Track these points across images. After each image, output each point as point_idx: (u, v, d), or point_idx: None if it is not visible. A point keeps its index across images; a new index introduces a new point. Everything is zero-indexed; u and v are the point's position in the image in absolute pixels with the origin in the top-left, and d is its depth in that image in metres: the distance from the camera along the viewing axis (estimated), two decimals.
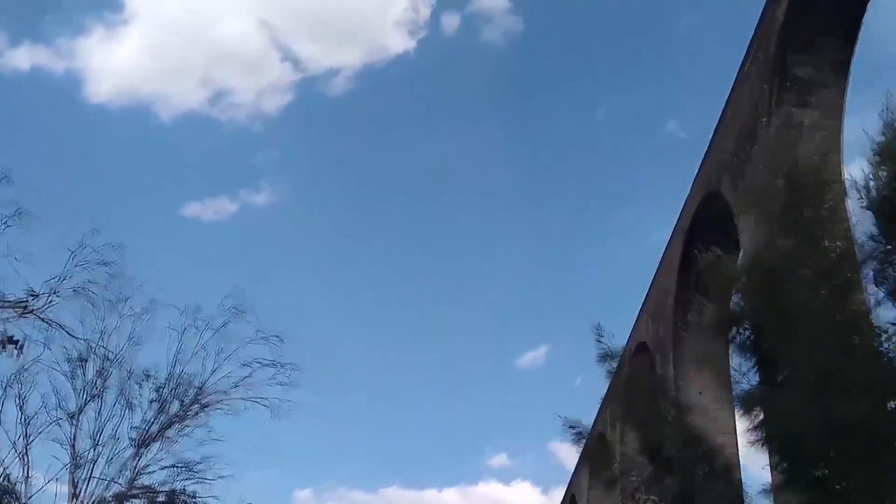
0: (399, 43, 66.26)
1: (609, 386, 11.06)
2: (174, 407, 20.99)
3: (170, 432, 20.97)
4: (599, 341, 10.25)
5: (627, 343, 17.84)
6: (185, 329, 21.25)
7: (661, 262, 16.70)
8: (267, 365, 21.33)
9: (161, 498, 21.06)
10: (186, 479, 21.12)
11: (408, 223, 68.14)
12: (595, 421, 20.57)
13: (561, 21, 65.49)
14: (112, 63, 56.89)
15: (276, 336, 21.83)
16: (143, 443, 20.53)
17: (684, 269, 14.67)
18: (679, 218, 15.30)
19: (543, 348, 71.67)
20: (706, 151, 13.60)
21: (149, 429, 20.67)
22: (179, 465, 21.02)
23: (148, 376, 21.01)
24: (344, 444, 62.29)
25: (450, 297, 69.85)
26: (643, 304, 17.88)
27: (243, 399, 21.19)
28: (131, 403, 20.63)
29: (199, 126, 61.64)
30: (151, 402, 20.85)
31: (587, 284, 66.62)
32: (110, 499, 19.43)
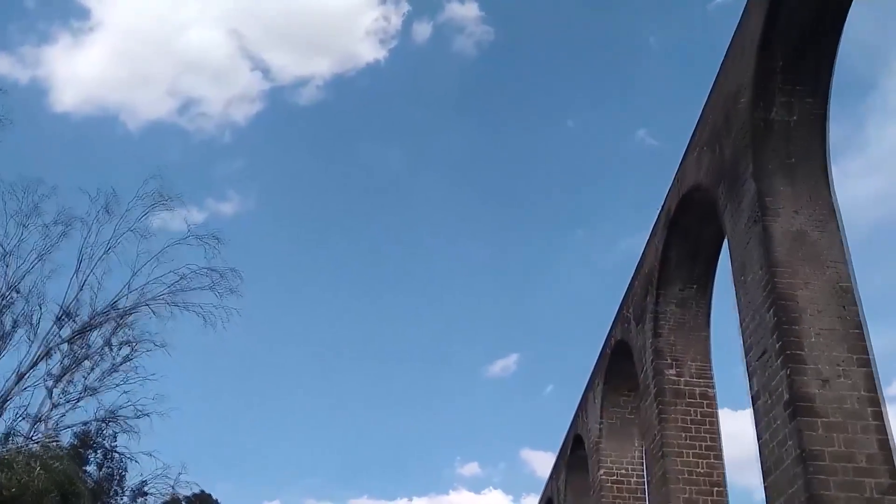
0: (370, 52, 66.93)
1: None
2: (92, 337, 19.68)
3: (92, 377, 19.75)
4: None
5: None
6: (96, 219, 19.65)
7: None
8: (200, 273, 20.12)
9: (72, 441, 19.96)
10: (110, 422, 20.10)
11: (376, 233, 68.73)
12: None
13: (533, 30, 66.70)
14: (78, 71, 56.42)
15: (213, 236, 20.69)
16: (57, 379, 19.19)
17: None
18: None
19: (514, 356, 71.92)
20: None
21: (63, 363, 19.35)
22: (102, 413, 19.98)
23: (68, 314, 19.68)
24: (313, 454, 62.20)
25: (419, 305, 70.36)
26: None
27: (169, 304, 19.91)
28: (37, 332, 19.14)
29: (167, 135, 61.15)
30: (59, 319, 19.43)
31: (557, 292, 67.24)
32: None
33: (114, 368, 22.44)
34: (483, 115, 68.74)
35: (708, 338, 14.07)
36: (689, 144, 12.73)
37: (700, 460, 13.06)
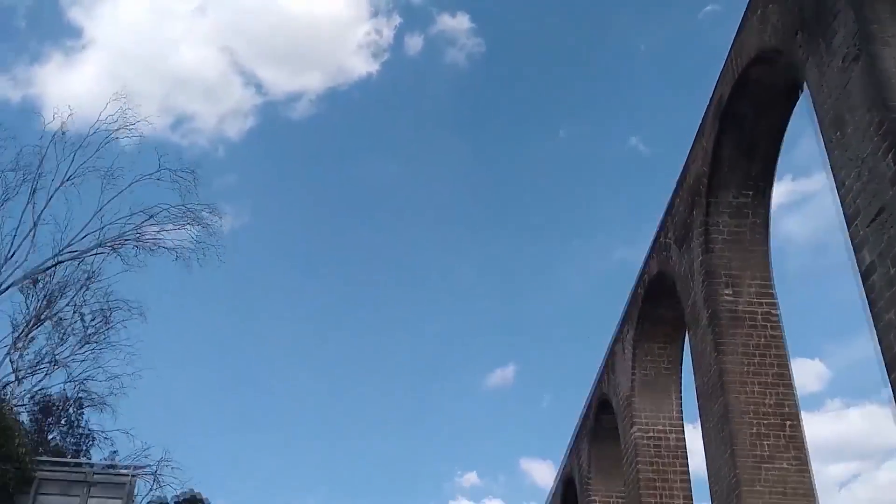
0: (362, 66, 66.35)
1: None
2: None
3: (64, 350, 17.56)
4: None
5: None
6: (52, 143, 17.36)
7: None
8: (174, 212, 17.98)
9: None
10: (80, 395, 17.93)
11: (371, 246, 67.85)
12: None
13: (523, 42, 66.44)
14: (70, 90, 55.05)
15: (188, 170, 18.63)
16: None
17: None
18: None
19: (511, 367, 70.68)
20: None
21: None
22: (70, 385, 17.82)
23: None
24: (311, 471, 60.91)
25: (415, 318, 69.43)
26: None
27: (137, 245, 17.73)
28: None
29: (160, 152, 60.01)
30: None
31: (554, 302, 66.42)
32: None
33: (86, 340, 20.30)
34: (476, 126, 68.09)
35: (768, 253, 11.92)
36: (745, 13, 10.65)
37: (768, 391, 10.88)
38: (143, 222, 17.70)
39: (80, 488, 10.08)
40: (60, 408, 19.50)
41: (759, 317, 11.43)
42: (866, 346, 7.74)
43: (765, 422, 10.60)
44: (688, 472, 15.04)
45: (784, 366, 11.11)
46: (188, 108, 68.96)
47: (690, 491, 14.88)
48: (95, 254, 17.64)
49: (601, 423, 18.99)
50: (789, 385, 10.96)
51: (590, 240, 66.71)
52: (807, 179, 51.10)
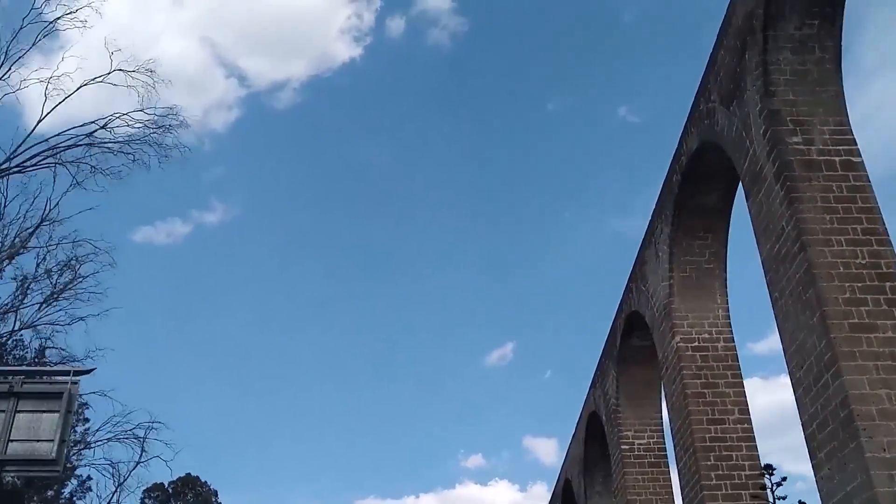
0: (345, 51, 64.59)
1: None
2: None
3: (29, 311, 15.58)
4: None
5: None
6: None
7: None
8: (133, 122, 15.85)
9: None
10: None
11: (364, 231, 66.35)
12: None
13: (506, 18, 64.93)
14: (50, 90, 52.33)
15: (146, 69, 16.48)
16: None
17: None
18: None
19: (510, 345, 69.35)
20: None
21: None
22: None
23: None
24: (315, 458, 59.88)
25: (410, 300, 68.27)
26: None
27: (89, 150, 15.55)
28: None
29: (145, 147, 58.14)
30: None
31: (548, 276, 65.26)
32: None
33: (54, 297, 18.20)
34: (463, 105, 66.49)
35: (840, 92, 9.85)
36: None
37: (858, 248, 8.83)
38: (93, 131, 15.51)
39: (5, 402, 8.00)
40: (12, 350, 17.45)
41: (838, 164, 9.37)
42: None
43: (858, 284, 8.56)
44: (741, 382, 13.06)
45: (875, 220, 9.05)
46: (171, 102, 66.69)
47: (746, 402, 12.92)
48: (37, 166, 15.45)
49: (629, 345, 17.04)
50: (884, 241, 8.92)
51: (581, 212, 65.37)
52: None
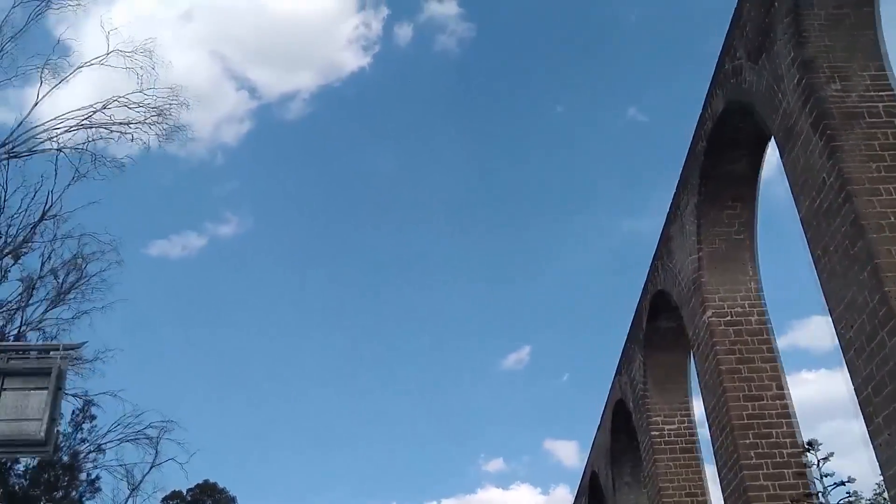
0: (353, 60, 64.51)
1: None
2: None
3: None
4: None
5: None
6: None
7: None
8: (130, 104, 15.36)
9: None
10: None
11: (376, 238, 66.28)
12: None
13: (512, 22, 64.77)
14: (62, 107, 52.57)
15: (145, 49, 15.89)
16: None
17: None
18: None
19: (527, 348, 68.87)
20: None
21: None
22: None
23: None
24: (336, 465, 59.58)
25: (425, 308, 68.05)
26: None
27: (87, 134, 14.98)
28: None
29: (158, 162, 58.63)
30: None
31: (562, 279, 64.85)
32: None
33: (61, 298, 17.79)
34: (472, 110, 66.22)
35: (877, 39, 9.25)
36: None
37: None
38: (89, 114, 15.05)
39: None
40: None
41: (881, 110, 8.77)
42: None
43: None
44: (776, 356, 12.42)
45: None
46: (182, 117, 66.69)
47: (784, 377, 12.28)
48: (34, 151, 14.99)
49: (655, 328, 16.42)
50: None
51: (593, 214, 64.88)
52: None
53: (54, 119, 15.27)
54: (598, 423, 21.39)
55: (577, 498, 25.63)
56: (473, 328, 69.54)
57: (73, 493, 19.32)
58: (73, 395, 18.73)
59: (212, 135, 63.38)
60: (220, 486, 39.29)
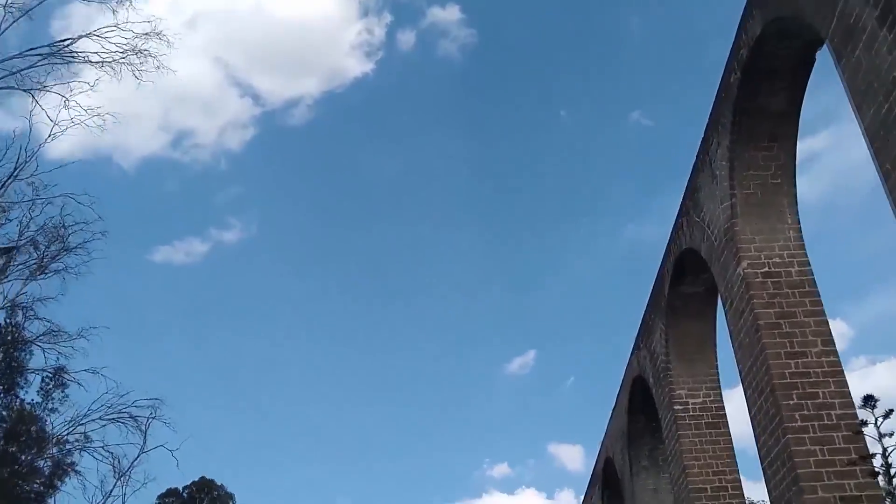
0: (356, 66, 64.35)
1: None
2: None
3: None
4: None
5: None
6: None
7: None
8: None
9: None
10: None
11: (381, 244, 65.89)
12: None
13: (515, 27, 64.56)
14: (65, 117, 51.95)
15: None
16: None
17: None
18: None
19: (531, 352, 68.17)
20: None
21: None
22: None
23: None
24: (343, 468, 58.93)
25: (429, 312, 67.70)
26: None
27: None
28: None
29: (163, 170, 58.58)
30: None
31: (567, 284, 64.28)
32: None
33: (41, 270, 16.66)
34: (476, 116, 65.82)
35: None
36: None
37: None
38: (59, 49, 13.89)
39: None
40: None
41: None
42: None
43: None
44: (822, 310, 11.19)
45: None
46: (187, 123, 66.25)
47: (830, 332, 11.05)
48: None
49: (679, 293, 15.19)
50: None
51: (598, 218, 64.30)
52: None
53: (18, 54, 14.07)
54: (614, 403, 20.16)
55: (589, 486, 24.35)
56: (478, 332, 68.85)
57: (42, 465, 18.12)
58: (42, 370, 17.52)
59: (216, 141, 62.68)
60: (218, 482, 38.15)
